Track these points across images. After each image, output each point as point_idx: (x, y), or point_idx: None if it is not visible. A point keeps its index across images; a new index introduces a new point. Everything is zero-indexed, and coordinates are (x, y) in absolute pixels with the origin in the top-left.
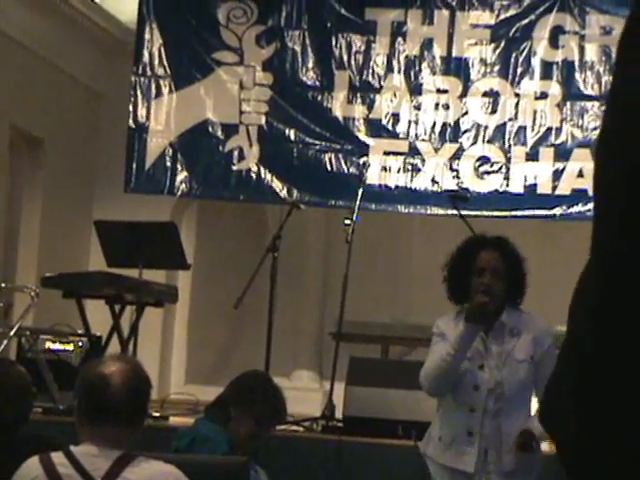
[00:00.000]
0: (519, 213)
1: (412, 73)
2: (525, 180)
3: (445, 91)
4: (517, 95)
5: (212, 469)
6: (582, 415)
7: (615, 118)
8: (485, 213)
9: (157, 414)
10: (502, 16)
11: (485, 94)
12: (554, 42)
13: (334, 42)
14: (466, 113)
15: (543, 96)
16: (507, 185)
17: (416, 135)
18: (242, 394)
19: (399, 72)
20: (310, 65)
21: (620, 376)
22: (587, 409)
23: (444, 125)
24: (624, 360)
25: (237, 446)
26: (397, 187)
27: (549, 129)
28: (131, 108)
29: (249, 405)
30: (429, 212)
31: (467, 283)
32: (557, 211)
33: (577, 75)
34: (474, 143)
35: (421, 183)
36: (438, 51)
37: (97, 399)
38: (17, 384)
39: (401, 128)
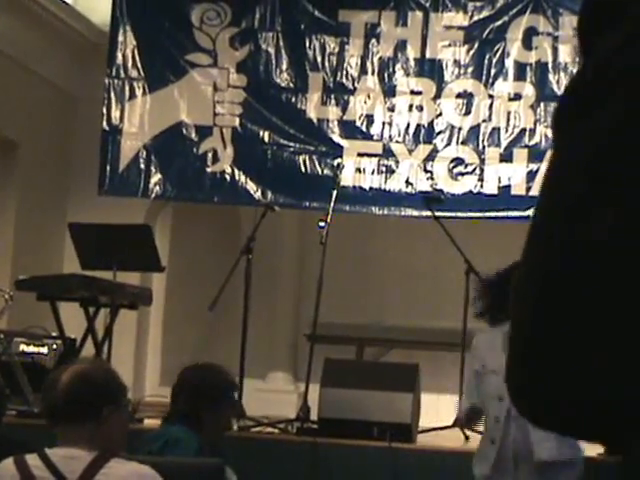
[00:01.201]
0: (493, 214)
1: (386, 75)
2: (499, 181)
3: (419, 92)
4: (491, 96)
5: (187, 470)
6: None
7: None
8: (459, 214)
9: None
10: (475, 17)
11: (459, 95)
12: (528, 43)
13: (308, 44)
14: (440, 114)
15: (517, 97)
16: (481, 186)
17: (390, 137)
18: (208, 395)
19: (373, 74)
20: (284, 67)
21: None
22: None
23: (418, 126)
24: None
25: (211, 444)
26: (371, 188)
27: (523, 130)
28: (105, 110)
29: (219, 403)
30: (403, 213)
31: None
32: (531, 212)
33: (551, 76)
34: (448, 144)
35: (395, 184)
36: (412, 53)
37: (47, 399)
38: None
39: (375, 130)
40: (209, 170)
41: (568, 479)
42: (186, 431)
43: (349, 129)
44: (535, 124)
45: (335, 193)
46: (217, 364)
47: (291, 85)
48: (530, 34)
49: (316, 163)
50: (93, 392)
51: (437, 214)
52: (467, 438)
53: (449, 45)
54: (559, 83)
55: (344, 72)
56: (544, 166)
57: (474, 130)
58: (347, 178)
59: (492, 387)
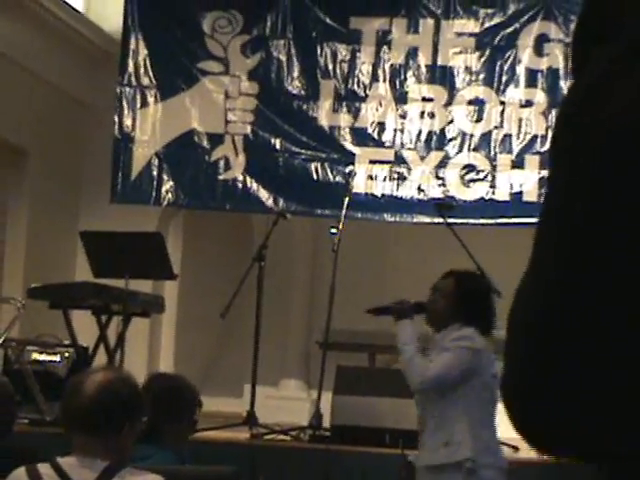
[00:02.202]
0: (505, 221)
1: (397, 82)
2: (511, 188)
3: (430, 99)
4: (502, 103)
5: (201, 479)
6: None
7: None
8: (471, 221)
9: None
10: (487, 24)
11: (470, 102)
12: (539, 50)
13: (319, 51)
14: (451, 121)
15: (528, 104)
16: (493, 193)
17: (402, 144)
18: (175, 406)
19: (384, 81)
20: (295, 74)
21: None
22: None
23: (430, 133)
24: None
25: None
26: (383, 196)
27: (534, 137)
28: (117, 118)
29: (181, 415)
30: (415, 220)
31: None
32: None
33: (562, 83)
34: (460, 151)
35: (407, 191)
36: (423, 60)
37: (68, 408)
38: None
39: (387, 137)
40: (221, 178)
41: None
42: (152, 448)
43: (361, 136)
44: (547, 130)
45: (347, 200)
46: (181, 376)
47: (302, 92)
48: (541, 41)
49: (328, 170)
50: (119, 405)
51: (449, 221)
52: None
53: (460, 52)
54: None
55: (355, 79)
56: None
57: (486, 137)
58: (359, 185)
59: None
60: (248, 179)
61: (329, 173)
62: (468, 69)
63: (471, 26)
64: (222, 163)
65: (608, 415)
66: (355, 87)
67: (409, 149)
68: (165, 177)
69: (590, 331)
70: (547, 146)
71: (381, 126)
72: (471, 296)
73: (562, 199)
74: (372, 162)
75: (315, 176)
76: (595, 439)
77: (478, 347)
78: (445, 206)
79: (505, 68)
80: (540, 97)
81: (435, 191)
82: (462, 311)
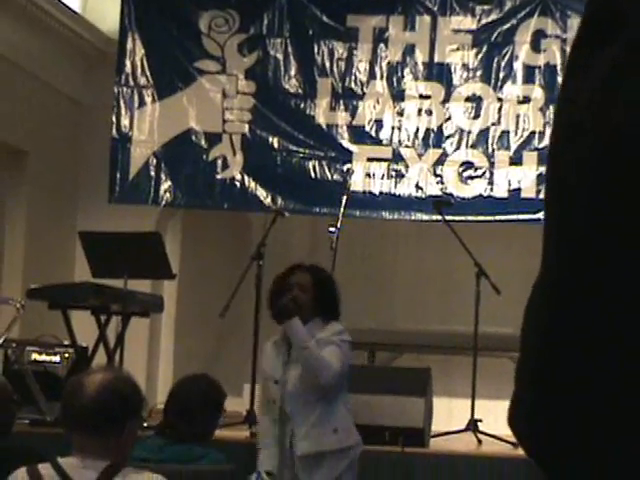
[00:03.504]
0: (503, 217)
1: (394, 79)
2: (509, 184)
3: (428, 97)
4: (500, 100)
5: (202, 478)
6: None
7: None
8: (469, 218)
9: (145, 424)
10: (484, 21)
11: (468, 99)
12: (536, 46)
13: (316, 49)
14: (449, 118)
15: (526, 100)
16: (491, 190)
17: (399, 141)
18: (218, 408)
19: (381, 78)
20: (292, 73)
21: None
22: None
23: (427, 131)
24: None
25: None
26: (381, 193)
27: (532, 133)
28: (114, 118)
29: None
30: (413, 218)
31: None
32: (541, 215)
33: (559, 79)
34: (457, 148)
35: (405, 189)
36: (420, 57)
37: (69, 409)
38: None
39: (384, 134)
40: (219, 177)
41: (334, 467)
42: (204, 449)
43: (358, 134)
44: (544, 127)
45: (345, 198)
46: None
47: (300, 91)
48: (538, 37)
49: (326, 169)
50: (121, 406)
51: (447, 218)
52: (480, 442)
53: (457, 49)
54: None
55: (353, 77)
56: None
57: (483, 133)
58: (357, 183)
59: (269, 392)
60: (246, 178)
61: (327, 171)
62: (465, 66)
63: (468, 23)
64: (220, 162)
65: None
66: (352, 85)
67: (407, 146)
68: (163, 177)
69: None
70: (545, 142)
71: (379, 124)
72: (327, 287)
73: (572, 204)
74: (370, 160)
75: (313, 174)
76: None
77: (350, 339)
78: (443, 203)
79: (502, 64)
80: (538, 93)
81: (433, 188)
82: (322, 303)
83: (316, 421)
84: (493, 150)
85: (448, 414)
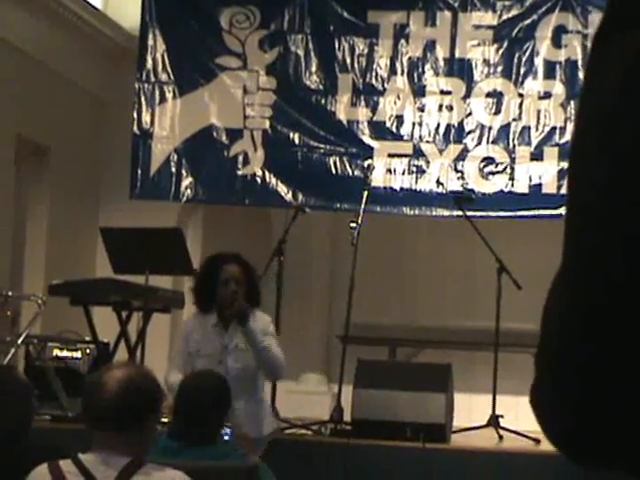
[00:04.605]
0: (524, 213)
1: (415, 75)
2: (530, 180)
3: (449, 92)
4: (521, 95)
5: (220, 475)
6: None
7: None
8: (490, 214)
9: (166, 420)
10: (504, 16)
11: (489, 95)
12: (557, 41)
13: (337, 45)
14: (470, 114)
15: (547, 96)
16: (512, 185)
17: (420, 137)
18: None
19: (402, 74)
20: (313, 69)
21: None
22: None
23: (448, 126)
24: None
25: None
26: (402, 189)
27: (553, 129)
28: (135, 114)
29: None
30: (434, 214)
31: (213, 292)
32: (562, 211)
33: (580, 74)
34: (478, 144)
35: (426, 185)
36: (441, 52)
37: (90, 404)
38: (17, 392)
39: (405, 130)
40: (240, 173)
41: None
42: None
43: (379, 130)
44: (565, 122)
45: (366, 194)
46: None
47: (321, 87)
48: (559, 32)
49: (346, 164)
50: (142, 402)
51: (468, 214)
52: (501, 438)
53: (478, 44)
54: None
55: (373, 73)
56: None
57: (504, 129)
58: (377, 179)
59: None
60: (267, 174)
61: (348, 167)
62: (486, 61)
63: (489, 18)
64: (241, 158)
65: None
66: (373, 81)
67: (427, 142)
68: (184, 173)
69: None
70: (566, 138)
71: (399, 119)
72: (254, 276)
73: (602, 197)
74: (390, 156)
75: (334, 170)
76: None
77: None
78: (464, 199)
79: (523, 60)
80: (559, 89)
81: (454, 184)
82: (250, 292)
83: (254, 407)
84: (514, 146)
85: (469, 410)
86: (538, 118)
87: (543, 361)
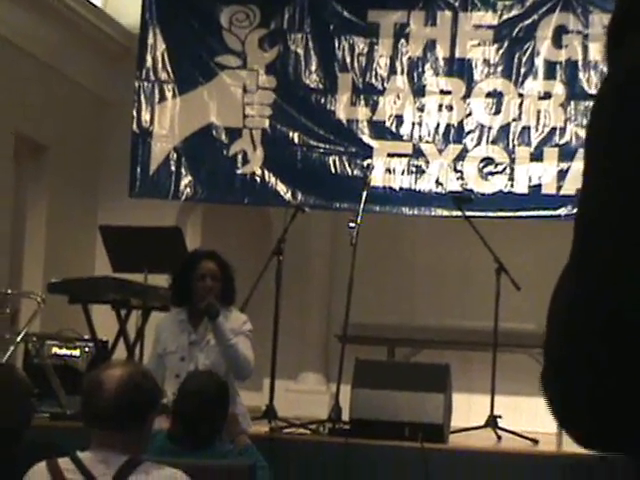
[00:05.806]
0: (524, 214)
1: (415, 75)
2: (530, 180)
3: (448, 92)
4: (521, 95)
5: (218, 473)
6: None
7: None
8: (490, 214)
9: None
10: (505, 16)
11: (489, 95)
12: (557, 42)
13: (337, 45)
14: (470, 114)
15: (547, 96)
16: (511, 186)
17: (420, 137)
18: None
19: (402, 74)
20: (313, 68)
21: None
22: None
23: (448, 126)
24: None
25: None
26: (401, 189)
27: (553, 129)
28: (135, 113)
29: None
30: (433, 214)
31: (189, 288)
32: (562, 211)
33: (581, 74)
34: (478, 144)
35: (425, 185)
36: (441, 52)
37: (89, 403)
38: (16, 390)
39: (405, 130)
40: (239, 172)
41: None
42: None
43: (379, 129)
44: (565, 123)
45: (365, 194)
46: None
47: (320, 86)
48: (560, 32)
49: (346, 164)
50: (141, 401)
51: (467, 214)
52: (499, 438)
53: (478, 44)
54: (589, 81)
55: (373, 72)
56: (575, 165)
57: (504, 129)
58: (377, 179)
59: (170, 366)
60: (266, 173)
61: (347, 167)
62: (486, 61)
63: (489, 18)
64: (240, 157)
65: None
66: (373, 80)
67: (427, 142)
68: (183, 171)
69: None
70: (566, 139)
71: (399, 119)
72: (230, 273)
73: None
74: (390, 155)
75: (333, 170)
76: None
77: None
78: (463, 199)
79: (523, 60)
80: (559, 89)
81: (453, 184)
82: (225, 289)
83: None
84: (514, 146)
85: (467, 410)
86: (538, 118)
87: (551, 351)
